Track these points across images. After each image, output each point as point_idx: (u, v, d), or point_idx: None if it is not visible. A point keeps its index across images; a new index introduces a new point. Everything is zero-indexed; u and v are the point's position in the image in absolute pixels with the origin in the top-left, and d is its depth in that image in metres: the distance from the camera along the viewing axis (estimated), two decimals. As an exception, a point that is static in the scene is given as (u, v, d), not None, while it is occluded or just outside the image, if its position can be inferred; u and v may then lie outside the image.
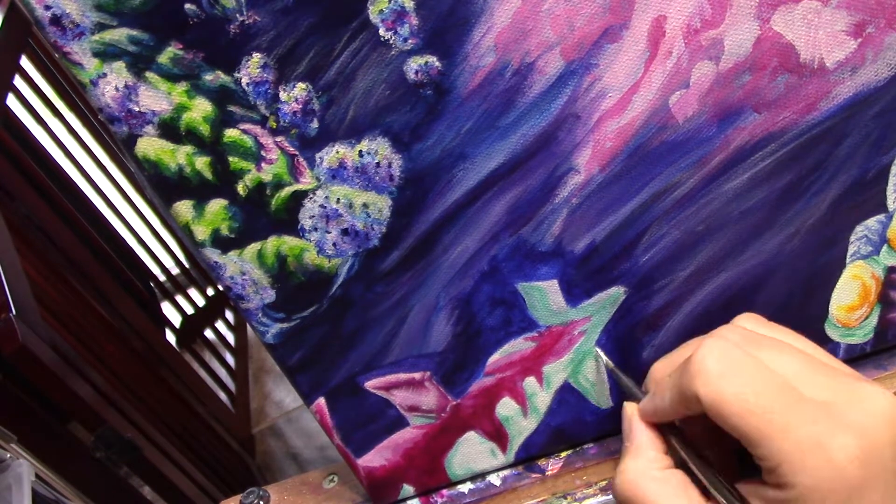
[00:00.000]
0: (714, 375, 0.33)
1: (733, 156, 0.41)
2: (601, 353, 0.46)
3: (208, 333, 2.10)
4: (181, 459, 1.29)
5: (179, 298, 2.02)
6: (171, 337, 1.88)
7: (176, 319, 1.99)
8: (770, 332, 0.38)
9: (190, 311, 2.05)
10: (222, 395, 1.91)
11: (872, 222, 0.44)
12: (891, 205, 0.43)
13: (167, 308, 1.95)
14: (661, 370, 0.41)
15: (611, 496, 0.47)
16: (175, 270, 2.06)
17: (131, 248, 1.86)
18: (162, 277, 1.97)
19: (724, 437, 0.34)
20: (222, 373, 2.02)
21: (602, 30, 0.38)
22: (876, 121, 0.41)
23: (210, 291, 2.16)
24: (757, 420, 0.32)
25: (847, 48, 0.39)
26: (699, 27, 0.38)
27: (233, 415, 1.89)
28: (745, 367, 0.33)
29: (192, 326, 2.04)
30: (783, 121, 0.40)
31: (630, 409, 0.41)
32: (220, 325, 2.16)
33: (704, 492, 0.36)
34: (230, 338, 2.18)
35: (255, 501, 0.56)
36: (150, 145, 0.39)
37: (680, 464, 0.39)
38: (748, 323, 0.38)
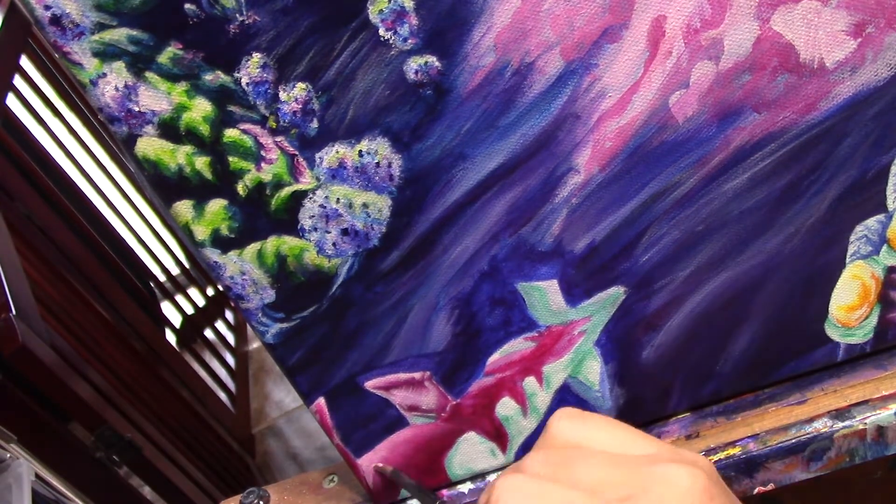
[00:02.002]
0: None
1: (733, 156, 0.41)
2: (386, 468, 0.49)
3: (208, 333, 2.10)
4: (181, 459, 1.29)
5: (179, 298, 2.02)
6: (171, 337, 1.87)
7: (176, 319, 1.99)
8: (582, 424, 0.36)
9: (190, 311, 2.05)
10: (222, 395, 1.91)
11: (872, 222, 0.44)
12: (890, 205, 0.43)
13: (167, 308, 1.95)
14: None
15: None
16: (175, 270, 2.06)
17: (131, 248, 1.86)
18: (162, 277, 1.97)
19: None
20: (222, 373, 2.02)
21: (602, 30, 0.38)
22: (875, 121, 0.41)
23: (210, 291, 2.16)
24: None
25: (847, 48, 0.39)
26: (699, 27, 0.38)
27: (233, 415, 1.89)
28: (537, 492, 0.32)
29: (192, 326, 2.04)
30: (783, 121, 0.40)
31: None
32: (220, 325, 2.16)
33: None
34: (230, 338, 2.18)
35: (255, 501, 0.56)
36: (149, 145, 0.39)
37: None
38: (561, 421, 0.37)
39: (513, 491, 0.33)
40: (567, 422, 0.35)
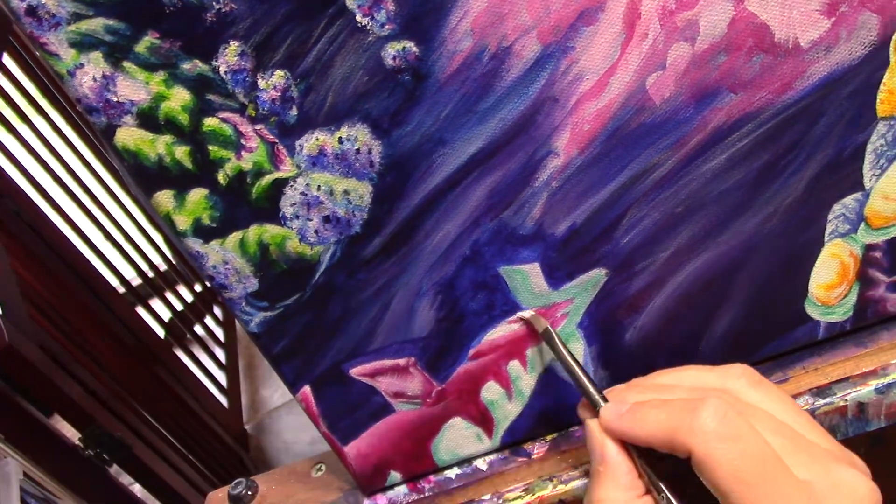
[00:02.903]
0: (712, 436, 0.34)
1: (711, 136, 0.41)
2: (558, 342, 0.45)
3: (198, 329, 2.10)
4: (172, 456, 1.29)
5: (168, 295, 2.02)
6: (160, 333, 1.87)
7: (165, 315, 1.99)
8: (760, 391, 0.38)
9: (179, 307, 2.05)
10: (214, 390, 1.91)
11: (850, 200, 0.44)
12: (867, 183, 0.44)
13: (156, 304, 1.94)
14: (635, 392, 0.41)
15: (596, 477, 0.48)
16: (163, 267, 2.06)
17: (119, 244, 1.85)
18: (150, 273, 1.97)
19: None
20: (213, 368, 2.02)
21: (578, 13, 0.38)
22: (851, 99, 0.41)
23: (198, 287, 2.15)
24: (743, 489, 0.33)
25: (821, 27, 0.39)
26: (674, 9, 0.38)
27: (225, 410, 1.89)
28: (742, 434, 0.34)
29: (182, 323, 2.04)
30: (759, 101, 0.41)
31: (596, 425, 0.41)
32: (209, 320, 2.16)
33: None
34: (219, 333, 2.18)
35: (244, 492, 0.56)
36: (129, 135, 0.39)
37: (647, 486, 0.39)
38: (741, 379, 0.38)
39: (720, 417, 0.35)
40: (746, 382, 0.38)
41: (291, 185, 0.41)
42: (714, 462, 0.34)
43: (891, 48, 0.40)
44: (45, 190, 1.55)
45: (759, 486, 0.33)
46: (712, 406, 0.35)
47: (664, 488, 0.38)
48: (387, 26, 0.38)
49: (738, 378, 0.38)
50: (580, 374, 0.43)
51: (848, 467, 0.34)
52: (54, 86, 1.65)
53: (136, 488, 1.20)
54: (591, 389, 0.42)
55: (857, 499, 0.33)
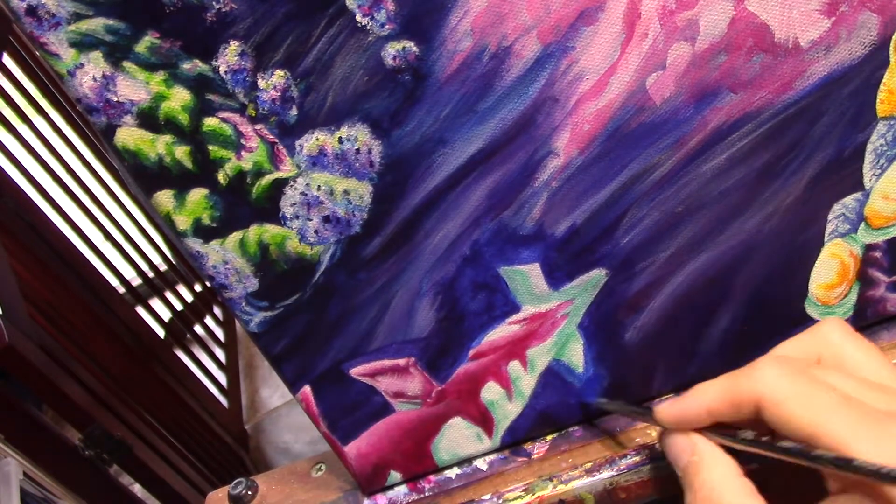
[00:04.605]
0: (777, 375, 0.34)
1: (711, 136, 0.41)
2: (601, 401, 0.49)
3: (198, 329, 2.10)
4: (173, 456, 1.29)
5: (168, 295, 2.02)
6: (160, 333, 1.87)
7: (165, 315, 1.99)
8: (851, 342, 0.37)
9: (179, 307, 2.05)
10: (214, 391, 1.91)
11: (850, 200, 0.44)
12: (867, 182, 0.44)
13: (156, 304, 1.94)
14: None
15: (596, 477, 0.48)
16: (163, 267, 2.06)
17: (119, 244, 1.85)
18: (150, 273, 1.97)
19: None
20: (213, 368, 2.02)
21: (578, 12, 0.38)
22: (851, 99, 0.41)
23: (198, 287, 2.15)
24: (822, 419, 0.32)
25: (821, 27, 0.39)
26: (674, 8, 0.38)
27: (225, 410, 1.89)
28: (803, 374, 0.34)
29: (182, 323, 2.04)
30: (759, 100, 0.41)
31: (665, 433, 0.40)
32: (209, 320, 2.16)
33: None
34: (219, 333, 2.18)
35: (243, 492, 0.56)
36: (129, 135, 0.39)
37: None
38: (835, 332, 0.38)
39: (778, 364, 0.35)
40: (840, 331, 0.38)
41: (291, 185, 0.41)
42: (786, 401, 0.33)
43: (891, 48, 0.40)
44: (45, 190, 1.55)
45: (839, 415, 0.32)
46: (765, 360, 0.35)
47: (760, 448, 0.36)
48: (387, 26, 0.38)
49: (832, 326, 0.38)
50: (630, 408, 0.46)
51: None
52: (54, 86, 1.65)
53: (136, 488, 1.20)
54: (639, 409, 0.44)
55: None
